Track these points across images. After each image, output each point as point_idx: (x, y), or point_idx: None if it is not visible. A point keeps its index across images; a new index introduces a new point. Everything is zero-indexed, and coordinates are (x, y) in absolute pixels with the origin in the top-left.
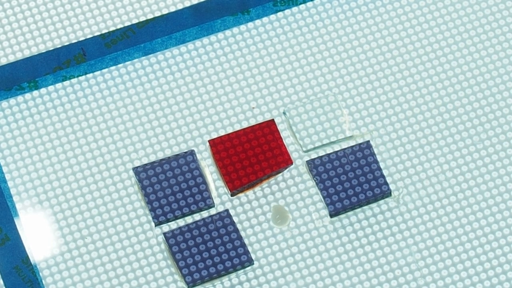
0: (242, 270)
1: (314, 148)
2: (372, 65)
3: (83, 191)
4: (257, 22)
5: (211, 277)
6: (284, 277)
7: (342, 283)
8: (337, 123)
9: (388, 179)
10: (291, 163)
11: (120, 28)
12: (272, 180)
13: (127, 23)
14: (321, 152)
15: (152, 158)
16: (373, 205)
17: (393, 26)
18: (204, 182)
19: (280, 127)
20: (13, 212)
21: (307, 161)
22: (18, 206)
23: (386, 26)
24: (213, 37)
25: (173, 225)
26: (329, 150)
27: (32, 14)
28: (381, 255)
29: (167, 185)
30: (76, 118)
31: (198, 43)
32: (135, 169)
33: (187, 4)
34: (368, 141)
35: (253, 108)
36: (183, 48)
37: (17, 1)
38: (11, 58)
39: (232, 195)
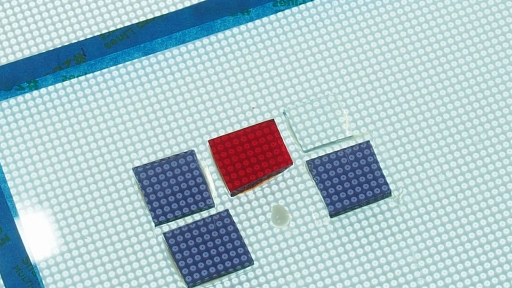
0: (242, 270)
1: (314, 148)
2: (372, 65)
3: (83, 191)
4: (257, 22)
5: (211, 277)
6: (284, 277)
7: (342, 283)
8: (337, 123)
9: (388, 179)
10: (291, 163)
11: (120, 28)
12: (272, 180)
13: (127, 23)
14: (321, 152)
15: (152, 158)
16: (373, 205)
17: (393, 26)
18: (204, 182)
19: (280, 127)
20: (13, 212)
21: (307, 161)
22: (18, 206)
23: (386, 26)
24: (213, 37)
25: (173, 225)
26: (329, 150)
27: (32, 14)
28: (381, 255)
29: (167, 185)
30: (76, 118)
31: (198, 43)
32: (135, 169)
33: (187, 4)
34: (368, 141)
35: (253, 108)
36: (183, 48)
37: (17, 1)
38: (11, 58)
39: (232, 195)
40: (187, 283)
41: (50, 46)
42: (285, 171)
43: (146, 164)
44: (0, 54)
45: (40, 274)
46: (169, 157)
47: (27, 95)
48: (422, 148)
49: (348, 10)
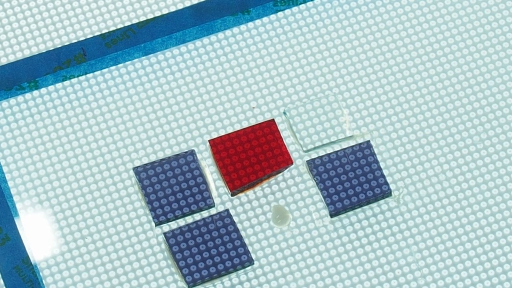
0: (242, 270)
1: (314, 148)
2: (372, 65)
3: (83, 191)
4: (257, 22)
5: (211, 277)
6: (284, 277)
7: (342, 283)
8: (337, 123)
9: (388, 179)
10: (291, 163)
11: (120, 28)
12: (272, 180)
13: (127, 23)
14: (321, 152)
15: (152, 158)
16: (373, 205)
17: (393, 26)
18: (204, 182)
19: (280, 127)
20: (13, 212)
21: (307, 161)
22: (18, 206)
23: (386, 26)
24: (213, 37)
25: (173, 225)
26: (329, 150)
27: (32, 14)
28: (381, 255)
29: (167, 185)
30: (76, 118)
31: (198, 43)
32: (135, 169)
33: (187, 4)
34: (368, 141)
35: (253, 108)
36: (183, 48)
37: (17, 1)
38: (11, 58)
39: (232, 195)
40: (187, 283)
41: (50, 46)
42: (285, 171)
43: (146, 164)
44: (0, 54)
45: (40, 274)
46: (169, 157)
47: (27, 95)
48: (422, 148)
49: (348, 10)
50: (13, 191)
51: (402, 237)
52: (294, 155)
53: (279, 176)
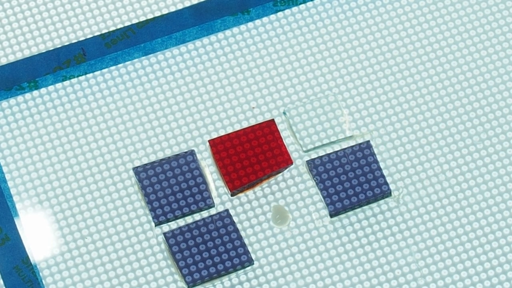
0: (242, 270)
1: (314, 148)
2: (372, 65)
3: (83, 191)
4: (257, 22)
5: (211, 277)
6: (284, 277)
7: (342, 283)
8: (337, 123)
9: (388, 179)
10: (291, 163)
11: (120, 28)
12: (272, 180)
13: (127, 23)
14: (321, 152)
15: (152, 158)
16: (373, 205)
17: (393, 26)
18: (204, 182)
19: (280, 127)
20: (13, 212)
21: (307, 161)
22: (18, 206)
23: (386, 26)
24: (213, 37)
25: (173, 225)
26: (329, 150)
27: (32, 14)
28: (381, 255)
29: (167, 185)
30: (76, 118)
31: (198, 43)
32: (135, 169)
33: (187, 4)
34: (368, 141)
35: (253, 108)
36: (183, 48)
37: (17, 1)
38: (11, 58)
39: (232, 195)
40: (187, 283)
41: (50, 46)
42: (285, 171)
43: (146, 164)
44: (0, 54)
45: (40, 274)
46: (169, 157)
47: (27, 95)
48: (422, 148)
49: (348, 10)
50: (13, 191)
51: (402, 237)
52: (294, 155)
53: (279, 176)
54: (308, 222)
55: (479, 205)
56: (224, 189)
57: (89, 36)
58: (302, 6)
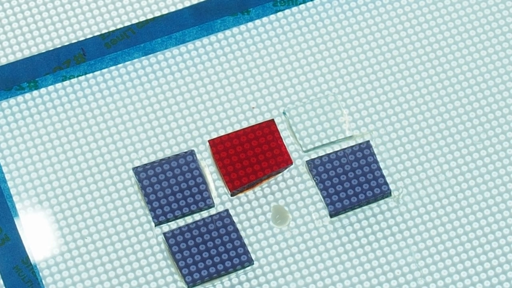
0: (242, 270)
1: (314, 148)
2: (372, 65)
3: (83, 191)
4: (257, 22)
5: (211, 277)
6: (284, 277)
7: (342, 283)
8: (337, 123)
9: (388, 179)
10: (291, 163)
11: (120, 28)
12: (272, 180)
13: (127, 23)
14: (321, 152)
15: (152, 158)
16: (373, 205)
17: (393, 26)
18: (204, 182)
19: (280, 127)
20: (13, 212)
21: (307, 161)
22: (18, 206)
23: (386, 26)
24: (213, 37)
25: (173, 225)
26: (329, 150)
27: (32, 14)
28: (381, 255)
29: (167, 185)
30: (76, 118)
31: (198, 43)
32: (135, 169)
33: (187, 4)
34: (368, 141)
35: (253, 108)
36: (183, 48)
37: (17, 1)
38: (11, 58)
39: (232, 195)
40: (187, 283)
41: (50, 46)
42: (285, 171)
43: (146, 164)
44: (0, 54)
45: (40, 274)
46: (169, 157)
47: (27, 95)
48: (422, 148)
49: (348, 10)
50: (13, 191)
51: (402, 237)
52: (293, 155)
53: (279, 176)
54: (308, 222)
55: (479, 205)
56: (224, 189)
57: (89, 36)
58: (302, 6)
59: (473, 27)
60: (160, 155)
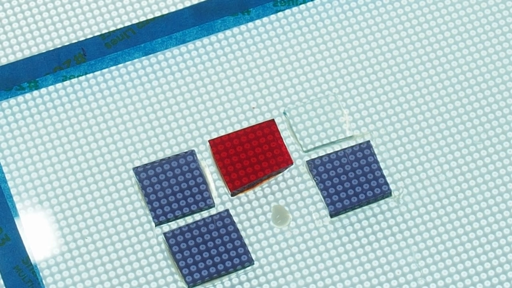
0: (242, 270)
1: (314, 148)
2: (372, 65)
3: (83, 191)
4: (257, 22)
5: (211, 277)
6: (284, 277)
7: (342, 283)
8: (337, 123)
9: (388, 179)
10: (291, 163)
11: (120, 28)
12: (272, 180)
13: (127, 23)
14: (321, 152)
15: (152, 158)
16: (373, 205)
17: (393, 26)
18: (204, 182)
19: (280, 127)
20: (13, 212)
21: (307, 161)
22: (18, 206)
23: (386, 26)
24: (213, 37)
25: (173, 225)
26: (329, 150)
27: (32, 14)
28: (381, 255)
29: (167, 185)
30: (76, 118)
31: (198, 43)
32: (135, 169)
33: (187, 4)
34: (368, 141)
35: (253, 108)
36: (183, 48)
37: (17, 1)
38: (11, 58)
39: (232, 195)
40: (187, 283)
41: (50, 46)
42: (285, 171)
43: (146, 164)
44: (0, 54)
45: (40, 274)
46: (169, 157)
47: (27, 95)
48: (422, 148)
49: (348, 10)
50: (13, 191)
51: (402, 237)
52: (294, 155)
53: (279, 176)
54: (308, 222)
55: (479, 205)
56: (224, 189)
57: (89, 36)
58: (302, 6)
59: (473, 27)
60: (161, 155)
